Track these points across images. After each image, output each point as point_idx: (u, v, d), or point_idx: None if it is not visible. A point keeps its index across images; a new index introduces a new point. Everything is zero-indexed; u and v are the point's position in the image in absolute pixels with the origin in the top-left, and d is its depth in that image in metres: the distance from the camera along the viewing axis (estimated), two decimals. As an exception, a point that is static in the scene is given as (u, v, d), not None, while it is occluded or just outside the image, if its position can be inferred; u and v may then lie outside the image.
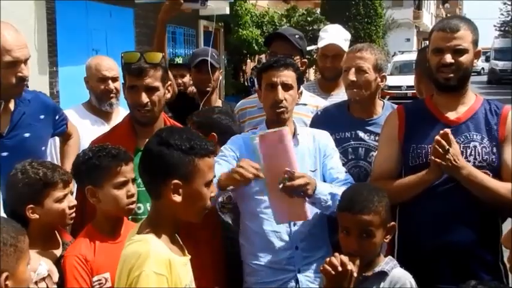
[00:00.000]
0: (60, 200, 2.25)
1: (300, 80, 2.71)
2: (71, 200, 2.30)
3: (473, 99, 2.51)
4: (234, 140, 2.71)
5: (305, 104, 3.18)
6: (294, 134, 2.67)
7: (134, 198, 2.28)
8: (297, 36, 3.40)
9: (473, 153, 2.39)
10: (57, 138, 3.14)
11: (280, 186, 2.34)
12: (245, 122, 3.27)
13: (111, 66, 3.48)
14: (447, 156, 2.26)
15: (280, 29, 3.71)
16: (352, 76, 2.87)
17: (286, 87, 2.60)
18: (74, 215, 2.31)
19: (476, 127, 2.43)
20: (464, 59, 2.40)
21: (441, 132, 2.30)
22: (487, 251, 2.41)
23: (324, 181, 2.62)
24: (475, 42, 2.44)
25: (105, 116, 3.49)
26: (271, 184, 2.40)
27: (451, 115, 2.46)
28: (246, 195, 2.63)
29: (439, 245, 2.38)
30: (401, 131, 2.54)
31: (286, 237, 2.58)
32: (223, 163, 2.54)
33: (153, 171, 1.81)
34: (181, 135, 1.82)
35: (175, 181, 1.78)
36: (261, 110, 3.05)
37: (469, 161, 2.36)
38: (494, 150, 2.39)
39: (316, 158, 2.67)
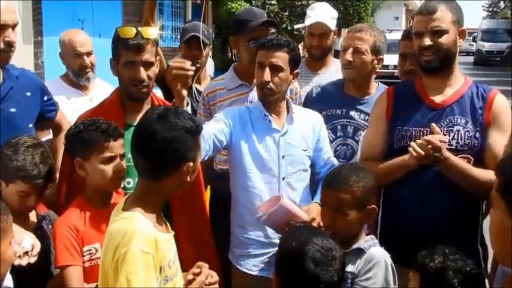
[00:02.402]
0: (19, 194, 2.26)
1: (295, 61, 2.68)
2: (30, 200, 2.29)
3: (461, 82, 2.50)
4: (228, 110, 2.75)
5: None
6: (289, 112, 2.71)
7: (121, 174, 2.30)
8: (265, 15, 3.29)
9: (456, 137, 2.40)
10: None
11: None
12: (215, 104, 3.16)
13: (84, 42, 3.52)
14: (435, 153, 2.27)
15: (246, 13, 3.41)
16: (349, 56, 2.91)
17: (276, 69, 2.59)
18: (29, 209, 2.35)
19: (461, 111, 2.43)
20: (444, 39, 2.39)
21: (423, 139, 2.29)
22: (466, 234, 2.45)
23: (313, 162, 2.72)
24: (457, 22, 2.42)
25: (83, 87, 3.57)
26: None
27: (437, 98, 2.47)
28: (237, 169, 2.67)
29: (419, 227, 2.42)
30: (388, 112, 2.57)
31: None
32: (214, 123, 2.59)
33: (164, 157, 1.80)
34: (184, 117, 1.84)
35: (190, 164, 1.83)
36: (230, 92, 3.09)
37: (451, 145, 2.38)
38: (477, 134, 2.40)
39: (309, 138, 2.71)
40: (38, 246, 2.13)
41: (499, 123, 2.40)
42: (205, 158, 2.56)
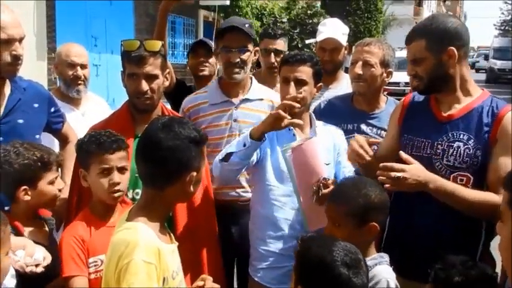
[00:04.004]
0: (53, 182, 2.32)
1: (318, 75, 2.70)
2: (60, 182, 2.36)
3: (475, 96, 2.40)
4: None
5: (261, 99, 3.05)
6: (311, 126, 2.73)
7: (118, 187, 2.28)
8: (247, 25, 3.05)
9: (454, 153, 2.32)
10: (56, 144, 3.10)
11: (320, 194, 2.44)
12: (198, 119, 2.99)
13: (80, 53, 3.53)
14: (404, 181, 2.17)
15: (228, 20, 3.26)
16: (358, 69, 2.91)
17: (300, 83, 2.61)
18: (61, 196, 2.38)
19: (466, 126, 2.34)
20: (421, 68, 2.36)
21: (381, 165, 2.21)
22: (465, 249, 2.26)
23: (335, 176, 2.68)
24: (434, 46, 2.31)
25: (74, 101, 3.52)
26: (304, 192, 2.51)
27: (446, 111, 2.41)
28: (260, 182, 2.68)
29: (417, 247, 2.37)
30: (401, 119, 2.56)
31: (297, 226, 2.62)
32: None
33: (167, 166, 1.79)
34: (189, 126, 1.84)
35: (194, 173, 1.82)
36: (213, 107, 2.99)
37: (448, 161, 2.32)
38: (478, 152, 2.30)
39: (330, 152, 2.72)
40: (48, 259, 2.15)
41: (505, 142, 2.27)
42: (253, 163, 2.59)
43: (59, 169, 2.39)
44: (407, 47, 2.42)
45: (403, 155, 2.25)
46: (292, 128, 2.65)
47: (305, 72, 2.63)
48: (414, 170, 2.20)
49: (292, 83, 2.60)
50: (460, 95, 2.41)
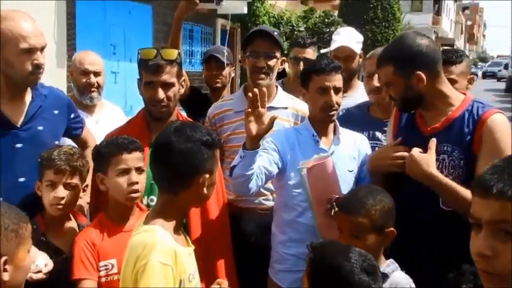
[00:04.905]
0: (50, 185, 2.36)
1: (344, 81, 2.73)
2: (58, 191, 2.36)
3: (456, 105, 2.35)
4: (275, 133, 2.74)
5: (285, 108, 3.06)
6: (335, 133, 2.74)
7: (136, 187, 2.31)
8: (275, 33, 3.06)
9: (440, 166, 2.30)
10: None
11: (332, 212, 2.49)
12: (222, 126, 3.06)
13: (94, 61, 3.59)
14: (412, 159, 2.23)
15: (257, 28, 3.23)
16: (376, 82, 2.92)
17: (338, 90, 2.65)
18: (59, 207, 2.38)
19: (449, 138, 2.32)
20: (393, 90, 2.37)
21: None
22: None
23: (358, 182, 2.70)
24: (401, 71, 2.30)
25: (88, 108, 3.57)
26: (318, 208, 2.55)
27: (430, 124, 2.39)
28: (283, 189, 2.70)
29: (415, 252, 2.34)
30: (394, 131, 2.57)
31: (319, 231, 2.61)
32: (264, 155, 2.57)
33: (179, 168, 1.83)
34: (201, 130, 1.88)
35: (206, 175, 1.85)
36: (237, 114, 2.97)
37: None
38: (462, 163, 2.28)
39: (355, 160, 2.73)
40: (50, 265, 2.20)
41: (489, 148, 2.21)
42: (256, 191, 2.57)
43: (66, 178, 2.40)
44: (377, 71, 2.45)
45: (433, 142, 2.26)
46: (316, 134, 2.68)
47: (340, 79, 2.66)
48: (433, 160, 2.23)
49: (332, 91, 2.62)
50: (442, 107, 2.37)
